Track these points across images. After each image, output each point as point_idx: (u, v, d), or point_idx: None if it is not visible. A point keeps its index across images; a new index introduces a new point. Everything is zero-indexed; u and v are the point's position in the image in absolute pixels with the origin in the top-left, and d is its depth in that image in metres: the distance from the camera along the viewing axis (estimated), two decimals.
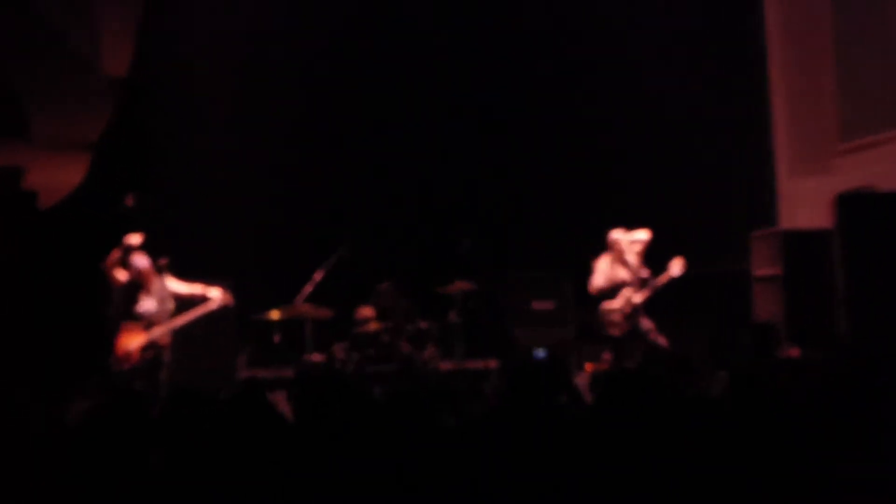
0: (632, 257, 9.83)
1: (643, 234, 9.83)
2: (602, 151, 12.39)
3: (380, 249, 12.29)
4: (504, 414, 4.81)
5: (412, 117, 12.65)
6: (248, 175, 12.16)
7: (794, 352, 8.77)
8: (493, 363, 10.92)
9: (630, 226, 10.02)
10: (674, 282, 9.67)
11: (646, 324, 9.79)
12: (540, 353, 10.54)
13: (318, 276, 10.70)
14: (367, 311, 10.80)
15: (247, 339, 11.28)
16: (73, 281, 10.61)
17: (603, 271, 9.92)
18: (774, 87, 11.97)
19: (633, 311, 9.78)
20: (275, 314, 10.48)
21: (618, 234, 9.90)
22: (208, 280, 9.29)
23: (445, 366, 10.80)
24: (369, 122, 12.72)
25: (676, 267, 9.65)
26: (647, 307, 9.84)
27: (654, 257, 9.90)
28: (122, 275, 8.99)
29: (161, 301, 8.95)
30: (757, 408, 4.80)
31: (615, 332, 9.82)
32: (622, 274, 9.85)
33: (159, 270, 8.98)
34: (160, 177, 11.59)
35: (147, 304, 8.94)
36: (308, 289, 10.66)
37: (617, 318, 9.80)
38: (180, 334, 9.03)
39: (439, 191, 12.79)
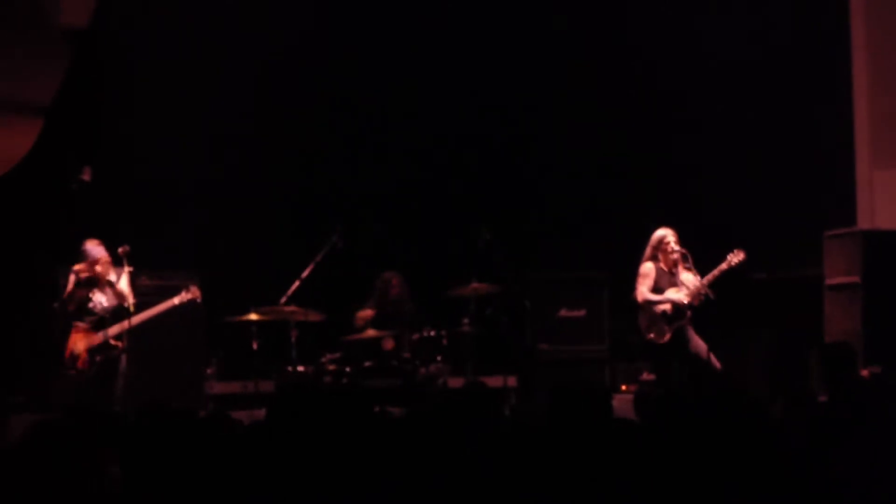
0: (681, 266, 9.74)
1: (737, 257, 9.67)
2: (650, 134, 12.37)
3: (380, 242, 12.27)
4: (544, 441, 4.74)
5: (423, 83, 12.53)
6: (225, 147, 12.00)
7: (870, 372, 8.70)
8: (512, 381, 10.90)
9: (678, 221, 9.94)
10: (730, 283, 9.50)
11: (696, 340, 9.70)
12: None
13: (306, 272, 10.60)
14: (365, 315, 10.76)
15: (218, 346, 11.21)
16: (16, 268, 10.53)
17: (650, 277, 9.78)
18: (856, 59, 11.82)
19: (678, 313, 9.62)
20: (253, 316, 10.39)
21: (664, 233, 9.76)
22: (174, 271, 9.23)
23: (455, 382, 10.67)
24: (372, 88, 12.59)
25: (736, 257, 9.64)
26: (700, 321, 9.73)
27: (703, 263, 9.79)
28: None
29: (117, 296, 8.89)
30: (816, 444, 4.73)
31: (656, 336, 9.66)
32: (671, 281, 9.78)
33: (118, 262, 8.94)
34: (121, 149, 11.45)
35: (99, 299, 8.88)
36: (294, 287, 10.55)
37: (659, 320, 9.69)
38: (138, 336, 8.96)
39: (453, 172, 12.69)
